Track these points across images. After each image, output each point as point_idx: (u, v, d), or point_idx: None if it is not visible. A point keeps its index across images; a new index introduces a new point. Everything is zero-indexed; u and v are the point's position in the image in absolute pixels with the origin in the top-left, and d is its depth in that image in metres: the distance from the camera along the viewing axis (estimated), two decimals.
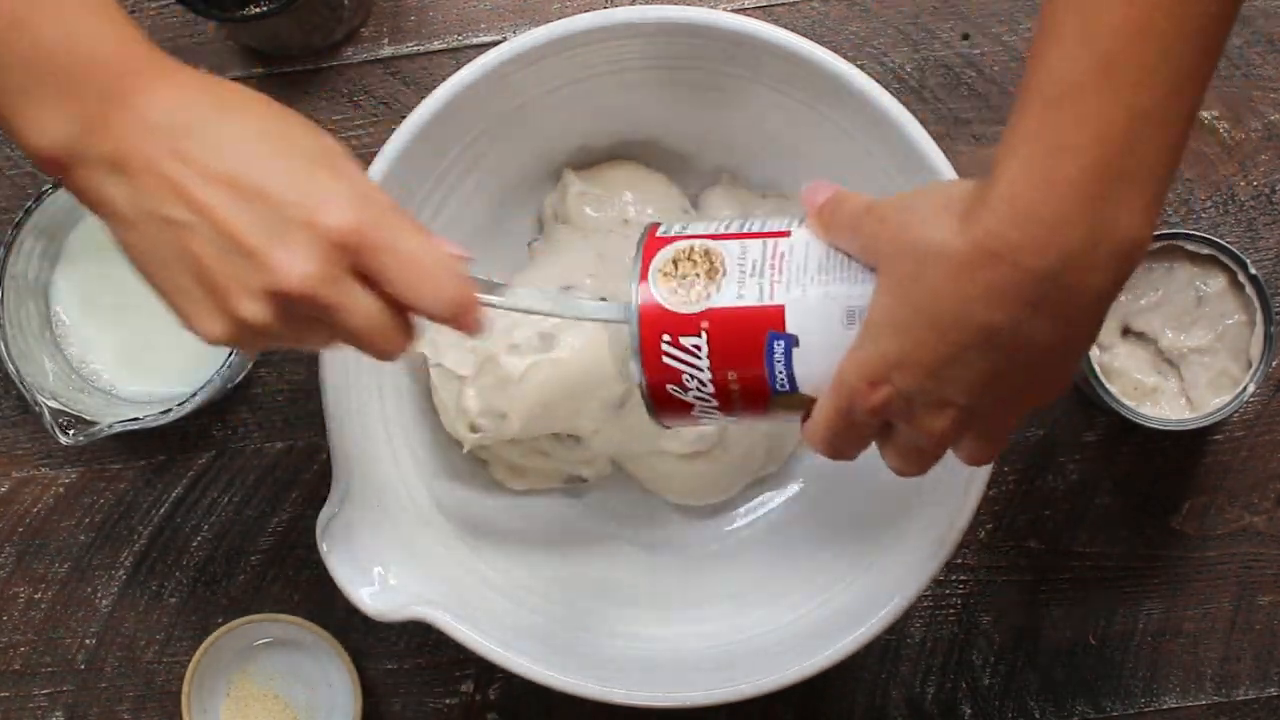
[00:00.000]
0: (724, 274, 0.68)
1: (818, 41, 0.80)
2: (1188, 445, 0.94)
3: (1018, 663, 0.94)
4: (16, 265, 0.88)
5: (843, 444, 0.68)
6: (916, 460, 0.68)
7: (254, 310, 0.63)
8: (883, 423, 0.67)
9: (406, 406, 0.87)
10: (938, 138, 0.80)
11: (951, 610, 0.94)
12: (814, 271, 0.68)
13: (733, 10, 0.85)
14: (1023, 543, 0.94)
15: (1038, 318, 0.61)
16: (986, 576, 0.94)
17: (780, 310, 0.68)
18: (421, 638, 0.94)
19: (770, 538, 0.90)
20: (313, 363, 0.83)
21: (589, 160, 0.90)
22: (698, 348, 0.68)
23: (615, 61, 0.83)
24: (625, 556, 0.90)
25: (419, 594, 0.80)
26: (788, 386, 0.68)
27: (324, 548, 0.79)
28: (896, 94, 0.80)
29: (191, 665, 0.90)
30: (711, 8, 0.87)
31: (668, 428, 0.73)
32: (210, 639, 0.90)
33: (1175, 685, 0.94)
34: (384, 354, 0.66)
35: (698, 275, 0.69)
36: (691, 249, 0.70)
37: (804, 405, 0.69)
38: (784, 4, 0.94)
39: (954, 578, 0.94)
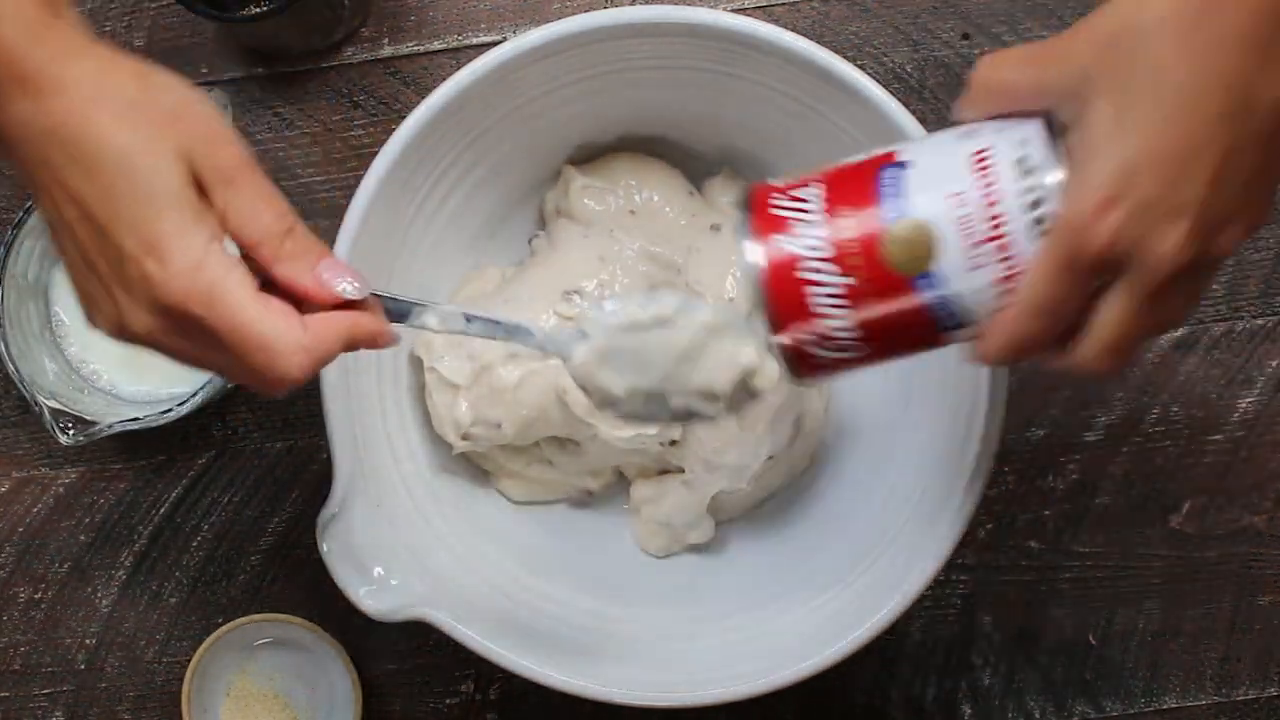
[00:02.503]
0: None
1: (818, 41, 0.80)
2: (1188, 445, 0.94)
3: (1018, 663, 0.94)
4: (16, 265, 0.88)
5: (1062, 308, 0.62)
6: (1132, 328, 0.62)
7: (112, 330, 0.65)
8: (1098, 285, 0.62)
9: (406, 406, 0.87)
10: None
11: (951, 610, 0.94)
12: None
13: (733, 10, 0.85)
14: (1023, 543, 0.94)
15: (1269, 67, 0.59)
16: (986, 576, 0.94)
17: (891, 153, 0.66)
18: (421, 638, 0.94)
19: (770, 539, 0.90)
20: None
21: (590, 157, 0.90)
22: (807, 197, 0.66)
23: (616, 61, 0.83)
24: (626, 556, 0.90)
25: (419, 594, 0.80)
26: (900, 211, 0.64)
27: (324, 548, 0.79)
28: (896, 94, 0.80)
29: (191, 665, 0.90)
30: (711, 8, 0.87)
31: (791, 358, 0.67)
32: (210, 639, 0.90)
33: (1175, 685, 0.94)
34: (262, 391, 0.66)
35: (819, 170, 0.68)
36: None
37: (926, 248, 0.64)
38: (784, 4, 0.94)
39: (954, 578, 0.94)
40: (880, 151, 0.67)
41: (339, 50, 0.94)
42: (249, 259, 0.65)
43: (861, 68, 0.80)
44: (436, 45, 0.94)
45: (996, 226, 0.64)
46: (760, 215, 0.66)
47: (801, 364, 0.67)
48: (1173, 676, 0.94)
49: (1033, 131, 0.64)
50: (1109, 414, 0.94)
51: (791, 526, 0.90)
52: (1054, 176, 0.63)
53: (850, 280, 0.65)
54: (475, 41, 0.94)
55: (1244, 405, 0.94)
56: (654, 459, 0.88)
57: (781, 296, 0.66)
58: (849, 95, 0.80)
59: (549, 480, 0.89)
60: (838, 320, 0.66)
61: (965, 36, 0.94)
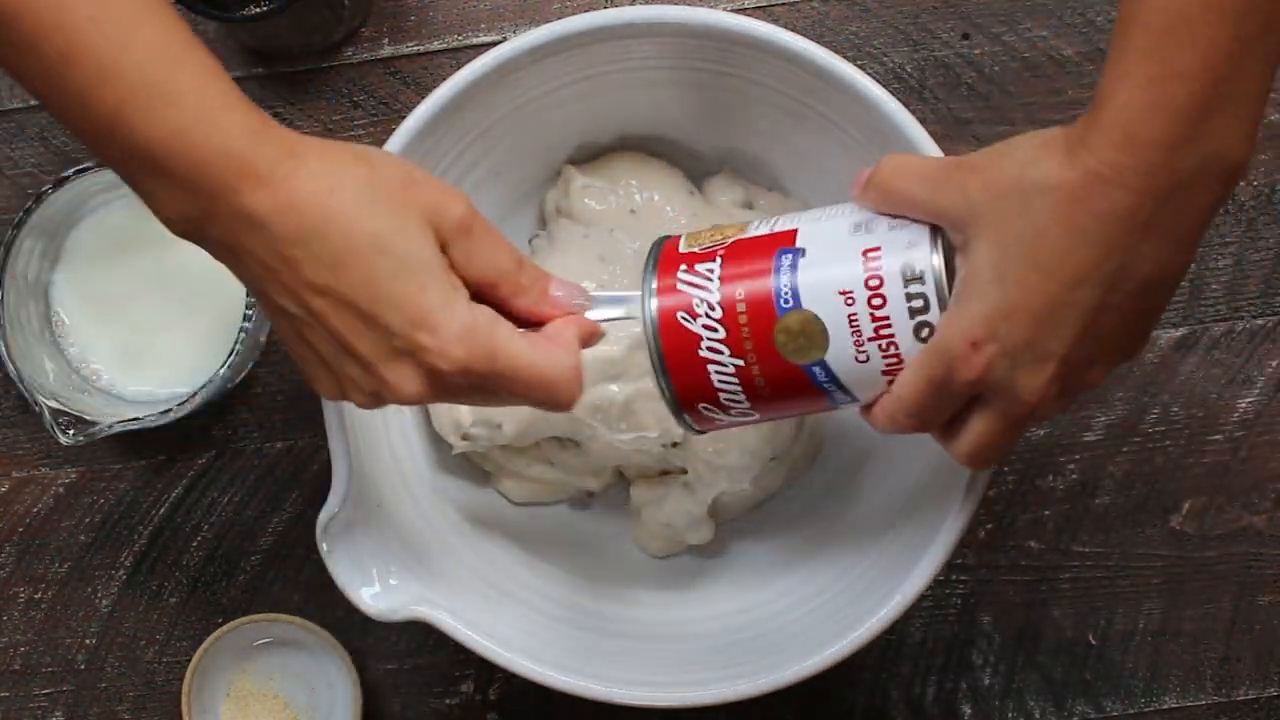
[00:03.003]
0: (743, 229, 0.70)
1: (818, 41, 0.80)
2: (1188, 445, 0.94)
3: (1018, 663, 0.94)
4: (16, 265, 0.88)
5: (931, 416, 0.67)
6: (996, 441, 0.67)
7: (365, 402, 0.67)
8: (969, 397, 0.66)
9: (407, 406, 0.87)
10: (938, 138, 0.80)
11: (951, 610, 0.94)
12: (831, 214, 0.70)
13: (733, 10, 0.85)
14: (1023, 543, 0.94)
15: (1146, 244, 0.62)
16: (986, 576, 0.94)
17: (793, 232, 0.69)
18: (421, 638, 0.94)
19: (770, 539, 0.90)
20: None
21: (590, 157, 0.90)
22: (710, 271, 0.69)
23: (616, 61, 0.83)
24: (626, 556, 0.90)
25: (419, 594, 0.80)
26: (791, 301, 0.67)
27: (324, 548, 0.79)
28: (896, 94, 0.80)
29: (191, 665, 0.90)
30: (711, 8, 0.87)
31: (688, 417, 0.71)
32: (210, 639, 0.90)
33: (1175, 685, 0.94)
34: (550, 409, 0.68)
35: (721, 235, 0.71)
36: (713, 227, 0.72)
37: (815, 340, 0.67)
38: (784, 4, 0.94)
39: (954, 578, 0.94)
40: (784, 227, 0.70)
41: (339, 50, 0.94)
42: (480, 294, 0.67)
43: (861, 68, 0.80)
44: (436, 45, 0.94)
45: (881, 327, 0.67)
46: (666, 288, 0.69)
47: (700, 423, 0.72)
48: (1173, 676, 0.94)
49: (920, 237, 0.67)
50: (1109, 414, 0.94)
51: (791, 527, 0.90)
52: (934, 288, 0.66)
53: (741, 362, 0.68)
54: (475, 41, 0.94)
55: (1244, 405, 0.94)
56: (656, 460, 0.88)
57: (685, 374, 0.69)
58: (848, 95, 0.80)
59: (550, 481, 0.89)
60: (733, 394, 0.69)
61: (965, 36, 0.94)
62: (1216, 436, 0.94)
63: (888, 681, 0.94)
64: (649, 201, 0.88)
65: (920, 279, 0.66)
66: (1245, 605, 0.94)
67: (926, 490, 0.82)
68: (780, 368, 0.68)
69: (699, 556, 0.90)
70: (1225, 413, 0.94)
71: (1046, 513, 0.94)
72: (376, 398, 0.66)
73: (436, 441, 0.88)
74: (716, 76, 0.84)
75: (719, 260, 0.69)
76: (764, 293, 0.68)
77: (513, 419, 0.84)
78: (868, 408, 0.70)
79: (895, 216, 0.68)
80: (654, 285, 0.70)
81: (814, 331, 0.67)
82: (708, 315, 0.68)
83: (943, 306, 0.66)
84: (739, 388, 0.69)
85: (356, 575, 0.80)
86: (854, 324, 0.67)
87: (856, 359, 0.68)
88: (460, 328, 0.64)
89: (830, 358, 0.68)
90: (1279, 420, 0.94)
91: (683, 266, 0.70)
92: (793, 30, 0.80)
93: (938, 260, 0.66)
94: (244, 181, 0.62)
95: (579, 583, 0.88)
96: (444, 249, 0.65)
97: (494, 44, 0.82)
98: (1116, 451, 0.94)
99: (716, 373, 0.69)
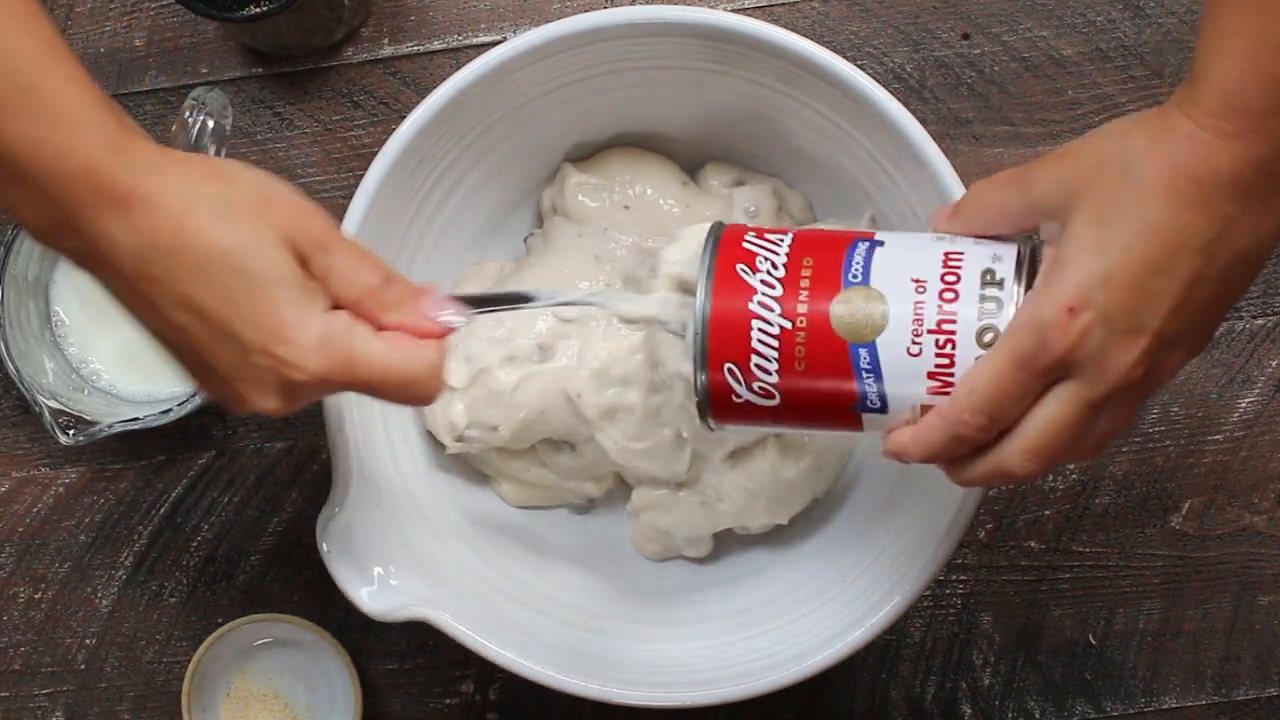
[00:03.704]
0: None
1: (818, 41, 0.80)
2: (1187, 445, 0.94)
3: (1018, 663, 0.94)
4: (16, 265, 0.88)
5: (1003, 409, 0.65)
6: (1063, 433, 0.65)
7: (237, 410, 0.66)
8: (1049, 385, 0.64)
9: (406, 406, 0.87)
10: (938, 138, 0.80)
11: (951, 610, 0.94)
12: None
13: (732, 10, 0.85)
14: (1023, 543, 0.94)
15: (1246, 213, 0.62)
16: (986, 576, 0.94)
17: (870, 233, 0.69)
18: (421, 638, 0.94)
19: (770, 540, 0.90)
20: None
21: (589, 155, 0.90)
22: (779, 240, 0.69)
23: (615, 61, 0.83)
24: (626, 557, 0.90)
25: (419, 594, 0.80)
26: (860, 277, 0.67)
27: (324, 548, 0.79)
28: (896, 94, 0.80)
29: (191, 665, 0.90)
30: (711, 8, 0.87)
31: (707, 381, 0.69)
32: (210, 639, 0.90)
33: (1175, 685, 0.94)
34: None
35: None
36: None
37: (873, 319, 0.67)
38: (784, 4, 0.94)
39: (954, 578, 0.94)
40: (863, 229, 0.70)
41: (339, 50, 0.94)
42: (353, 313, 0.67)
43: (861, 68, 0.80)
44: (436, 45, 0.94)
45: (945, 321, 0.66)
46: (729, 246, 0.69)
47: (715, 394, 0.70)
48: (1173, 676, 0.94)
49: (1007, 251, 0.67)
50: None
51: (790, 527, 0.89)
52: (1012, 295, 0.66)
53: (789, 324, 0.67)
54: (475, 41, 0.94)
55: (1244, 405, 0.94)
56: (668, 470, 0.87)
57: (725, 326, 0.68)
58: (848, 95, 0.80)
59: (548, 485, 0.89)
60: (765, 362, 0.68)
61: (965, 36, 0.94)
62: (1216, 436, 0.94)
63: (888, 681, 0.94)
64: (642, 195, 0.88)
65: (1000, 284, 0.66)
66: (1245, 605, 0.94)
67: (927, 490, 0.82)
68: (826, 341, 0.67)
69: (699, 558, 0.90)
70: (1225, 413, 0.94)
71: (1046, 513, 0.94)
72: (246, 409, 0.66)
73: (436, 442, 0.88)
74: (716, 76, 0.84)
75: (791, 234, 0.70)
76: (834, 263, 0.68)
77: (508, 421, 0.84)
78: (900, 434, 0.68)
79: (982, 237, 0.68)
80: (714, 243, 0.69)
81: (875, 310, 0.67)
82: (769, 272, 0.68)
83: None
84: (775, 354, 0.67)
85: (356, 575, 0.80)
86: (919, 311, 0.66)
87: (909, 350, 0.66)
88: (315, 339, 0.63)
89: (882, 342, 0.66)
90: (1279, 420, 0.94)
91: (750, 233, 0.70)
92: (793, 30, 0.80)
93: (1019, 275, 0.66)
94: (101, 198, 0.62)
95: (579, 583, 0.88)
96: (304, 264, 0.64)
97: (494, 44, 0.82)
98: (1116, 451, 0.94)
99: (759, 330, 0.67)
